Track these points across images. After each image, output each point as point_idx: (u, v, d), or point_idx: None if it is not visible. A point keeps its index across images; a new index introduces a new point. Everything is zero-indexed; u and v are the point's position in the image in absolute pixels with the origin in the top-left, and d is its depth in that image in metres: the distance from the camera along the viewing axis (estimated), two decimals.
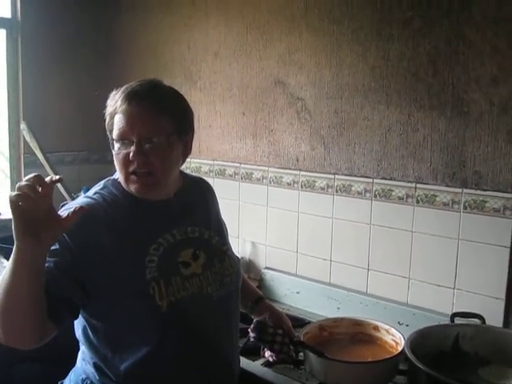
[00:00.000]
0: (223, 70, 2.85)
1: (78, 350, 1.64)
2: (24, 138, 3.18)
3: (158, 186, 1.54)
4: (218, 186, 2.89)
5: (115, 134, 1.49)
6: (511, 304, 1.98)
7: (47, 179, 1.24)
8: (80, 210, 1.28)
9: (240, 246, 2.83)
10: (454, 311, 1.98)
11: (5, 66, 3.21)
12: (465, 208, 2.06)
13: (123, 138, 1.48)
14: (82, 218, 1.31)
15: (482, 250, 2.02)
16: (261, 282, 2.71)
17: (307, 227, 2.57)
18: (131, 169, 1.48)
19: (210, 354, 1.57)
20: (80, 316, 1.49)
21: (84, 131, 3.37)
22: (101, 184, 1.60)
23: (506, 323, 1.99)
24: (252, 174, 2.78)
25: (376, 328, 1.95)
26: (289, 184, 2.62)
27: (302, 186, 2.57)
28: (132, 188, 1.51)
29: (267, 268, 2.73)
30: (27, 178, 1.21)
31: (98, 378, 1.52)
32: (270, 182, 2.70)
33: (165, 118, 1.51)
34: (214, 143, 2.93)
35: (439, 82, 2.09)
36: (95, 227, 1.45)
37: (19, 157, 3.31)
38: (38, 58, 3.27)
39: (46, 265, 1.32)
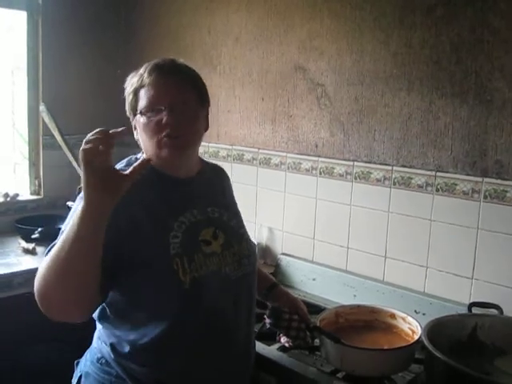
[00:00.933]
0: (243, 55, 2.84)
1: (94, 330, 1.66)
2: (43, 120, 3.19)
3: (188, 149, 1.59)
4: (236, 171, 2.90)
5: (144, 104, 1.54)
6: None
7: (112, 131, 1.27)
8: (147, 161, 1.34)
9: (257, 231, 2.83)
10: (472, 301, 1.97)
11: (25, 48, 3.22)
12: (485, 197, 2.04)
13: (154, 105, 1.52)
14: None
15: (502, 240, 2.00)
16: (277, 267, 2.71)
17: (325, 214, 2.57)
18: (164, 133, 1.52)
19: (227, 334, 1.58)
20: None
21: (103, 114, 3.36)
22: (123, 162, 1.61)
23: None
24: (270, 159, 2.77)
25: (392, 316, 1.94)
26: (307, 170, 2.61)
27: (320, 173, 2.56)
28: (165, 153, 1.53)
29: (284, 254, 2.73)
30: (94, 132, 1.25)
31: (113, 357, 1.54)
32: (289, 168, 2.69)
33: (189, 87, 1.59)
34: (233, 128, 2.93)
35: (462, 70, 2.06)
36: (126, 198, 1.44)
37: (38, 139, 3.33)
38: (59, 40, 3.28)
39: None
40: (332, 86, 2.47)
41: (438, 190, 2.16)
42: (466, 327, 1.81)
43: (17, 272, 2.56)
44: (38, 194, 3.36)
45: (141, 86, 1.55)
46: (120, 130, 1.28)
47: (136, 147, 1.64)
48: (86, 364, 1.64)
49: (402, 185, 2.27)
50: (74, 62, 3.35)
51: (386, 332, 1.92)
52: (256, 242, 2.76)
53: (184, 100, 1.55)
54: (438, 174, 2.16)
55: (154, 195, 1.56)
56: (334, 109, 2.48)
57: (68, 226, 1.29)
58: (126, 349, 1.52)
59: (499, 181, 2.00)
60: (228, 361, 1.60)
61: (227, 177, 1.88)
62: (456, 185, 2.11)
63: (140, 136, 1.58)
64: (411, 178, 2.24)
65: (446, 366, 1.50)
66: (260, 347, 1.89)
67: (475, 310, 1.91)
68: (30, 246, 2.80)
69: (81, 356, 1.70)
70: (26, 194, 3.35)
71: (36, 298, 1.32)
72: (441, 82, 2.12)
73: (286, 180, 2.71)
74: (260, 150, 2.82)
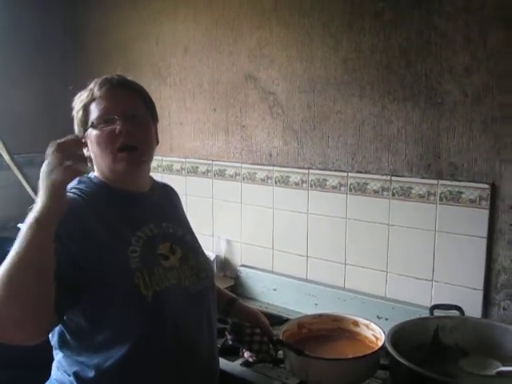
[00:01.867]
0: (193, 66, 2.80)
1: (51, 356, 1.58)
2: None
3: (143, 163, 1.58)
4: (191, 183, 2.86)
5: (96, 115, 1.52)
6: (489, 294, 1.98)
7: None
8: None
9: (215, 243, 2.79)
10: (433, 303, 1.97)
11: None
12: (441, 199, 2.05)
13: (106, 115, 1.51)
14: (68, 207, 1.31)
15: (459, 241, 2.01)
16: (237, 279, 2.67)
17: (282, 223, 2.54)
18: (118, 144, 1.50)
19: (191, 349, 1.55)
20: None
21: (52, 132, 3.21)
22: (74, 181, 1.55)
23: (484, 314, 1.99)
24: (225, 170, 2.73)
25: (355, 323, 1.93)
26: (262, 180, 2.59)
27: (275, 182, 2.54)
28: (120, 166, 1.52)
29: (243, 265, 2.69)
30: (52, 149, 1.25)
31: None
32: (244, 179, 2.66)
33: (139, 100, 1.60)
34: (186, 140, 2.88)
35: (412, 74, 2.07)
36: (82, 214, 1.44)
37: None
38: (4, 58, 3.19)
39: None
40: (284, 93, 2.46)
41: (394, 195, 2.16)
42: (429, 330, 1.81)
43: None
44: None
45: (91, 100, 1.55)
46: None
47: None
48: None
49: (358, 191, 2.26)
50: (21, 81, 3.27)
51: (349, 340, 1.90)
52: (214, 255, 2.73)
53: (135, 111, 1.56)
54: (394, 178, 2.16)
55: (110, 210, 1.53)
56: (287, 117, 2.46)
57: (17, 239, 1.24)
58: (91, 374, 1.45)
59: (454, 182, 2.02)
60: (193, 375, 1.56)
61: (177, 195, 1.89)
62: (411, 188, 2.12)
63: (92, 151, 1.55)
64: (367, 184, 2.24)
65: (410, 371, 1.49)
66: (223, 363, 1.84)
67: (437, 313, 1.91)
68: None
69: None
70: None
71: None
72: (392, 86, 2.13)
73: (242, 191, 2.68)
74: (214, 162, 2.78)
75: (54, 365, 1.58)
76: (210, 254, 2.71)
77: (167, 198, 1.81)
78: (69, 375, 1.49)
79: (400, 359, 1.53)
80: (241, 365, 1.89)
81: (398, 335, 1.71)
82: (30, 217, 1.23)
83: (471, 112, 1.95)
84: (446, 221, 2.05)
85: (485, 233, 1.96)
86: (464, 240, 2.00)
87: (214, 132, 2.77)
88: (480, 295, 1.98)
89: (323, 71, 2.31)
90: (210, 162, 2.79)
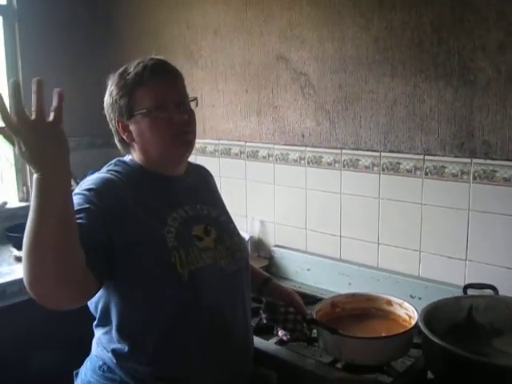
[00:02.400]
0: (224, 48, 2.81)
1: (93, 337, 1.64)
2: None
3: (193, 146, 1.63)
4: (224, 165, 2.88)
5: (149, 103, 1.52)
6: None
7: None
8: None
9: (249, 224, 2.82)
10: (467, 283, 1.97)
11: (3, 53, 3.17)
12: (474, 178, 2.04)
13: (161, 103, 1.52)
14: (105, 185, 1.44)
15: (493, 220, 2.00)
16: (271, 260, 2.70)
17: (315, 203, 2.56)
18: (173, 132, 1.54)
19: (226, 328, 1.58)
20: (102, 294, 1.48)
21: (85, 117, 3.33)
22: (111, 163, 1.61)
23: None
24: (258, 152, 2.75)
25: (389, 302, 1.94)
26: (295, 161, 2.60)
27: (308, 163, 2.55)
28: (175, 151, 1.57)
29: (277, 246, 2.72)
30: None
31: (115, 361, 1.52)
32: (276, 160, 2.68)
33: (183, 85, 1.62)
34: (218, 122, 2.91)
35: (444, 51, 2.05)
36: (119, 193, 1.48)
37: None
38: (37, 44, 3.24)
39: (79, 221, 1.30)
40: (315, 74, 2.45)
41: (426, 174, 2.16)
42: (462, 309, 1.81)
43: (10, 281, 2.52)
44: (27, 200, 3.32)
45: (138, 86, 1.53)
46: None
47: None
48: (86, 373, 1.62)
49: (391, 170, 2.26)
50: (54, 66, 3.30)
51: (383, 319, 1.92)
52: (248, 236, 2.76)
53: (184, 98, 1.59)
54: (427, 157, 2.15)
55: (146, 191, 1.56)
56: (319, 97, 2.46)
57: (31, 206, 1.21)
58: (126, 350, 1.50)
59: (488, 161, 2.00)
60: (228, 354, 1.59)
61: (212, 176, 1.90)
62: (445, 167, 2.11)
63: (139, 136, 1.55)
64: (399, 163, 2.23)
65: (443, 349, 1.50)
66: (258, 342, 1.87)
67: (471, 292, 1.90)
68: (21, 253, 2.77)
69: (79, 365, 1.68)
70: (14, 202, 3.32)
71: (28, 290, 1.23)
72: (424, 64, 2.11)
73: (275, 172, 2.70)
74: (247, 143, 2.80)
75: (94, 341, 1.63)
76: (244, 235, 2.74)
77: (202, 179, 1.82)
78: (108, 351, 1.54)
79: (433, 338, 1.54)
80: (275, 343, 1.93)
81: (432, 314, 1.71)
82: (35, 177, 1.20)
83: (505, 90, 1.93)
84: (479, 200, 2.03)
85: None
86: (498, 219, 1.99)
87: (246, 113, 2.78)
88: None
89: (354, 51, 2.30)
90: (243, 143, 2.81)
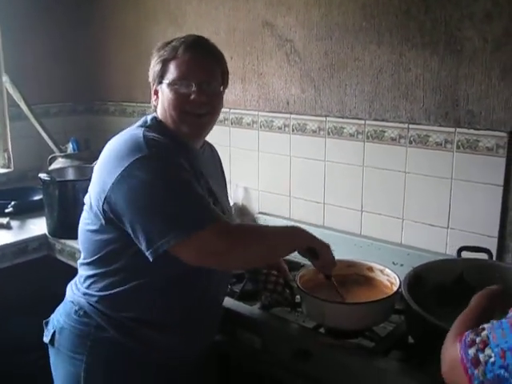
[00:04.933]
0: (209, 14, 2.78)
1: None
2: (7, 91, 3.11)
3: (208, 128, 1.72)
4: None
5: (174, 75, 1.61)
6: (504, 242, 2.00)
7: None
8: None
9: (233, 191, 2.82)
10: (448, 250, 2.00)
11: None
12: (458, 147, 2.05)
13: (183, 78, 1.61)
14: (166, 148, 1.55)
15: (476, 189, 2.03)
16: None
17: (299, 171, 2.57)
18: (186, 109, 1.61)
19: (205, 284, 1.68)
20: (119, 238, 1.54)
21: (67, 82, 3.29)
22: (140, 121, 1.69)
23: (499, 260, 2.00)
24: (242, 118, 2.74)
25: (370, 269, 1.96)
26: (280, 128, 2.60)
27: (293, 130, 2.55)
28: (184, 128, 1.64)
29: (261, 213, 2.74)
30: None
31: (94, 306, 1.59)
32: (261, 127, 2.67)
33: (218, 69, 1.70)
34: None
35: (431, 20, 2.04)
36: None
37: (3, 110, 3.24)
38: (17, 9, 3.17)
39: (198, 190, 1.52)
40: (301, 41, 2.44)
41: (411, 142, 2.17)
42: (454, 272, 1.80)
43: None
44: (8, 167, 3.30)
45: (172, 58, 1.62)
46: None
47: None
48: (58, 320, 1.67)
49: (376, 138, 2.27)
50: (35, 29, 3.25)
51: (364, 285, 1.94)
52: (232, 202, 2.76)
53: (211, 80, 1.65)
54: (411, 126, 2.16)
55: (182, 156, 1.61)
56: (304, 64, 2.45)
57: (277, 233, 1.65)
58: (113, 295, 1.58)
59: (471, 130, 2.01)
60: (202, 312, 1.71)
61: (219, 156, 2.01)
62: (429, 136, 2.12)
63: (162, 101, 1.65)
64: (384, 132, 2.24)
65: (421, 318, 1.51)
66: (242, 307, 1.91)
67: (465, 255, 1.91)
68: (4, 220, 2.75)
69: None
70: None
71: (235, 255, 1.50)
72: (411, 32, 2.10)
73: (259, 139, 2.69)
74: (231, 110, 2.78)
75: (71, 287, 1.71)
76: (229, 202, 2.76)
77: (213, 157, 1.93)
78: (88, 296, 1.61)
79: (412, 305, 1.56)
80: (259, 308, 1.95)
81: (420, 275, 1.74)
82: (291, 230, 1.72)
83: (491, 59, 1.93)
84: (462, 169, 2.05)
85: (501, 181, 1.96)
86: (480, 188, 2.02)
87: (231, 80, 2.71)
88: (495, 242, 2.00)
89: (341, 18, 2.29)
90: (227, 110, 2.79)
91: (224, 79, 1.73)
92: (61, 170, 2.84)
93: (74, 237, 1.79)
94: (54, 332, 1.67)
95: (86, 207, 1.66)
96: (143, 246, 1.45)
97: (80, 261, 1.70)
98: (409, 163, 2.19)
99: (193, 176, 1.56)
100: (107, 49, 3.26)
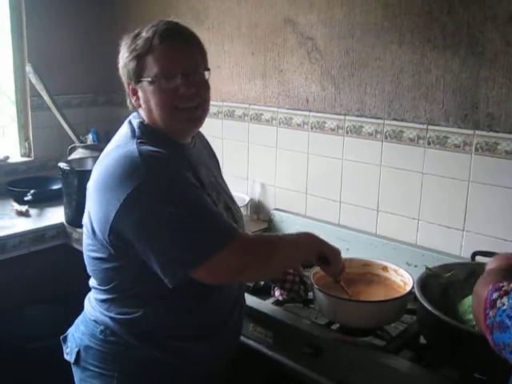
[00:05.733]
0: (231, 9, 2.79)
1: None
2: (30, 81, 3.14)
3: (202, 120, 1.59)
4: (227, 127, 2.89)
5: (155, 71, 1.47)
6: None
7: None
8: None
9: (249, 187, 2.84)
10: (463, 253, 1.99)
11: (8, 8, 3.13)
12: (476, 150, 2.05)
13: (167, 72, 1.47)
14: (170, 160, 1.46)
15: (493, 192, 2.02)
16: (270, 223, 2.73)
17: (317, 168, 2.57)
18: (177, 103, 1.49)
19: (230, 293, 1.65)
20: (131, 262, 1.47)
21: (90, 73, 3.33)
22: (135, 130, 1.54)
23: None
24: (261, 115, 2.75)
25: (385, 268, 1.97)
26: (299, 125, 2.60)
27: (311, 127, 2.55)
28: (180, 124, 1.53)
29: (276, 209, 2.75)
30: None
31: (120, 326, 1.53)
32: (280, 124, 2.68)
33: (198, 54, 1.55)
34: (223, 84, 2.90)
35: (454, 21, 2.03)
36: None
37: (26, 100, 3.27)
38: (43, 0, 3.20)
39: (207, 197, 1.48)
40: (322, 39, 2.44)
41: (429, 143, 2.16)
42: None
43: (11, 234, 2.56)
44: (29, 156, 3.33)
45: (148, 52, 1.47)
46: None
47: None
48: (81, 339, 1.60)
49: (394, 138, 2.27)
50: (60, 21, 3.28)
51: (378, 284, 1.95)
52: (249, 198, 2.78)
53: (195, 68, 1.52)
54: (430, 127, 2.16)
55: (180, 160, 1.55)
56: (325, 62, 2.45)
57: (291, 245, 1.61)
58: (138, 313, 1.51)
59: (490, 133, 2.00)
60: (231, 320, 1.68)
61: (208, 141, 1.88)
62: (447, 138, 2.11)
63: (145, 101, 1.52)
64: (403, 132, 2.24)
65: (434, 317, 1.51)
66: (255, 302, 1.92)
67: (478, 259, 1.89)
68: (24, 208, 2.80)
69: (72, 319, 1.71)
70: (16, 157, 3.32)
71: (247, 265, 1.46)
72: (433, 33, 2.10)
73: (278, 135, 2.70)
74: (251, 106, 2.80)
75: (90, 304, 1.63)
76: (245, 197, 2.77)
77: (203, 145, 1.81)
78: (110, 316, 1.54)
79: (426, 305, 1.56)
80: (272, 303, 1.97)
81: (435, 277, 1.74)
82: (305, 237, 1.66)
83: None
84: (480, 171, 2.05)
85: None
86: (497, 191, 2.01)
87: (251, 76, 2.77)
88: (510, 246, 1.99)
89: (363, 17, 2.28)
90: (247, 105, 2.81)
91: (206, 63, 1.58)
92: (80, 160, 2.88)
93: None
94: (79, 351, 1.60)
95: (85, 230, 1.57)
96: (160, 274, 1.39)
97: (92, 284, 1.63)
98: (426, 164, 2.18)
99: (197, 180, 1.51)
100: None
